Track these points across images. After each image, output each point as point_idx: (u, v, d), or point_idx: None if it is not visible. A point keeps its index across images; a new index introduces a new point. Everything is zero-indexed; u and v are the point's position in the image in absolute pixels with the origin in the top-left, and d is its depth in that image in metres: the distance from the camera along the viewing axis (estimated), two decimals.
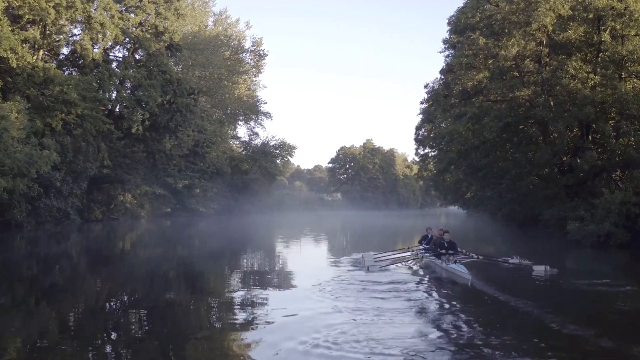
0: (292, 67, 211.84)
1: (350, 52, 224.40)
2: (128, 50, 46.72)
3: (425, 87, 31.24)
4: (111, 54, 46.74)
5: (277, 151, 77.50)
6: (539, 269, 15.32)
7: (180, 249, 26.98)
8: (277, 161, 77.63)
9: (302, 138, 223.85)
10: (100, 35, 39.71)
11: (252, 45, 66.86)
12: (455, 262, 14.92)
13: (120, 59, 46.71)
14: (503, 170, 29.69)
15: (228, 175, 69.62)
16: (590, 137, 27.28)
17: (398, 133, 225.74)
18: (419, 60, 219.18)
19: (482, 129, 28.22)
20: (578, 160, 27.20)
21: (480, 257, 17.31)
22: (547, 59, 26.13)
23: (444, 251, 15.75)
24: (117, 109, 46.00)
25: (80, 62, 40.44)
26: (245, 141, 77.96)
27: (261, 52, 67.13)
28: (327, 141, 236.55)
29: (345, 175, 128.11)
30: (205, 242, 32.49)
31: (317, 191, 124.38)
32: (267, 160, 75.35)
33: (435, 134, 45.41)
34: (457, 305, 11.43)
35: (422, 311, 10.71)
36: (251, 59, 67.17)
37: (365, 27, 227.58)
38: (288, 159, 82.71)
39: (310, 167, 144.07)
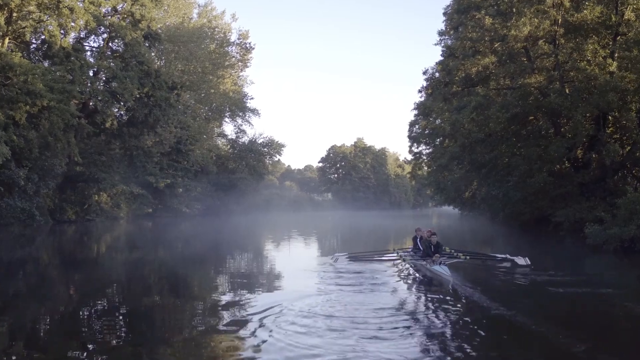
0: (284, 66, 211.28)
1: (341, 51, 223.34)
2: (104, 40, 43.68)
3: (424, 73, 28.38)
4: (86, 43, 43.69)
5: (265, 149, 74.87)
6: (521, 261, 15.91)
7: (160, 252, 25.20)
8: (265, 159, 74.73)
9: (293, 138, 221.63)
10: (69, 22, 36.54)
11: (238, 38, 63.99)
12: (440, 263, 14.75)
13: (96, 49, 43.65)
14: (510, 166, 26.83)
15: (213, 174, 67.02)
16: (607, 129, 24.48)
17: (390, 132, 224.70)
18: (412, 58, 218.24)
19: (487, 120, 25.37)
20: (593, 155, 24.47)
21: (467, 257, 17.16)
22: (563, 41, 23.30)
23: (431, 253, 15.67)
24: (91, 103, 42.98)
25: (52, 52, 37.26)
26: (232, 139, 75.40)
27: (247, 45, 64.23)
28: (318, 141, 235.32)
29: (335, 175, 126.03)
30: (186, 245, 30.15)
31: (308, 191, 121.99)
32: (255, 158, 72.74)
33: (431, 130, 42.73)
34: (425, 308, 11.14)
35: (393, 315, 10.12)
36: (237, 52, 64.23)
37: (356, 25, 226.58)
38: (278, 159, 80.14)
39: (301, 167, 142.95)
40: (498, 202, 29.77)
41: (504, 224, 39.06)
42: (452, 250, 17.71)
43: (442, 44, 41.62)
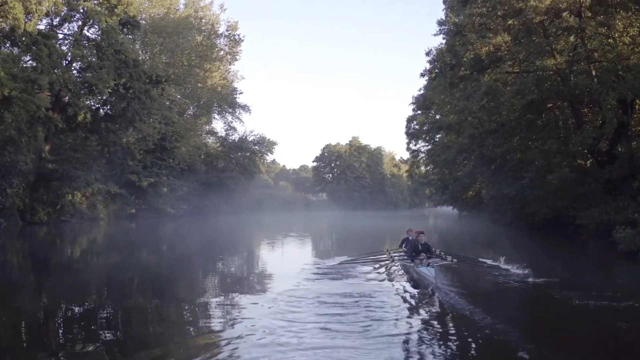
0: (279, 64, 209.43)
1: (335, 49, 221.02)
2: (78, 27, 40.41)
3: (427, 54, 25.12)
4: (60, 31, 40.46)
5: (257, 147, 71.79)
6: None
7: (136, 257, 23.10)
8: (257, 158, 71.71)
9: (288, 138, 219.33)
10: (34, 5, 33.28)
11: (227, 30, 60.63)
12: (428, 265, 14.22)
13: (70, 37, 40.40)
14: (524, 161, 23.67)
15: (202, 172, 63.98)
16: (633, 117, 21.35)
17: (386, 132, 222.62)
18: (408, 56, 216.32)
19: (499, 108, 22.17)
20: (619, 148, 21.37)
21: (455, 260, 16.68)
22: (589, 14, 20.16)
23: (419, 253, 15.25)
24: (65, 97, 39.71)
25: (16, 37, 34.01)
26: (221, 136, 72.31)
27: (236, 37, 60.93)
28: (314, 141, 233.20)
29: (330, 175, 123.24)
30: (165, 249, 27.72)
31: (303, 191, 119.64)
32: (245, 156, 69.72)
33: (431, 124, 39.64)
34: (395, 312, 10.58)
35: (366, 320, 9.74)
36: (226, 45, 60.92)
37: (351, 22, 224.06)
38: (273, 159, 77.67)
39: (297, 167, 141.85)
40: (508, 202, 26.49)
41: (510, 226, 36.07)
42: (442, 253, 17.44)
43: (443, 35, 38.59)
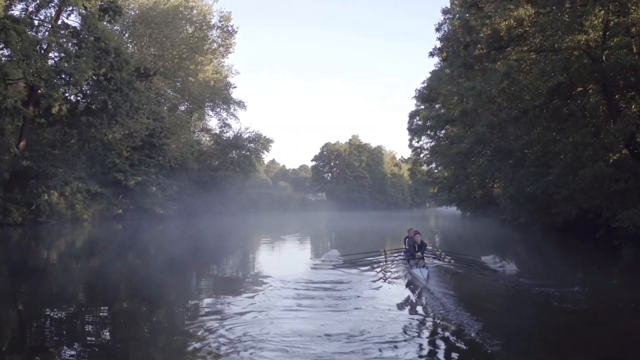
0: (279, 63, 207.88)
1: (334, 48, 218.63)
2: (56, 12, 37.46)
3: (437, 30, 22.00)
4: (36, 17, 37.50)
5: (252, 145, 68.80)
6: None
7: (119, 261, 21.27)
8: (252, 156, 68.77)
9: (288, 138, 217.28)
10: None
11: (220, 21, 57.44)
12: (423, 265, 14.19)
13: (47, 24, 37.45)
14: (547, 154, 20.63)
15: (194, 171, 60.96)
16: None
17: (386, 131, 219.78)
18: (407, 53, 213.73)
19: (521, 92, 19.08)
20: None
21: (451, 260, 16.62)
22: None
23: (414, 254, 15.03)
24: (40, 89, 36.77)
25: None
26: (216, 133, 69.36)
27: (230, 29, 57.73)
28: (314, 141, 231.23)
29: (330, 174, 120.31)
30: (145, 253, 25.09)
31: (303, 191, 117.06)
32: (240, 154, 66.82)
33: (437, 117, 36.66)
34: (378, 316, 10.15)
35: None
36: (218, 37, 57.77)
37: (348, 20, 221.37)
38: (273, 159, 74.84)
39: (296, 167, 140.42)
40: (528, 201, 23.37)
41: (524, 227, 33.12)
42: (441, 252, 17.38)
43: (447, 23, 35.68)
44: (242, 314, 10.19)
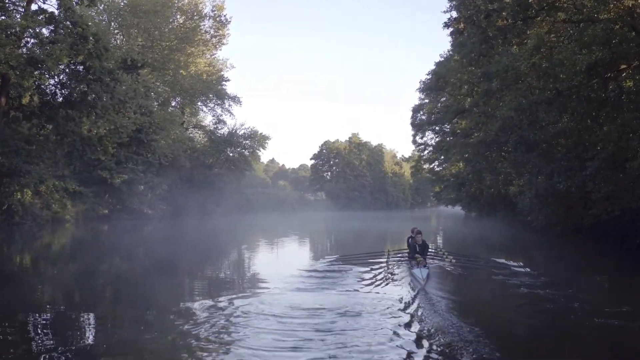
0: (279, 63, 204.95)
1: (337, 48, 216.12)
2: None
3: None
4: (8, 1, 34.50)
5: (247, 142, 65.90)
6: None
7: (97, 267, 19.04)
8: (247, 153, 65.89)
9: (288, 137, 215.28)
10: None
11: (212, 10, 54.43)
12: (424, 265, 13.96)
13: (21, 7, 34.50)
14: (579, 145, 17.58)
15: (186, 169, 57.98)
16: None
17: (386, 131, 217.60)
18: (408, 55, 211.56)
19: (555, 69, 15.99)
20: None
21: (453, 260, 16.42)
22: None
23: (415, 254, 14.96)
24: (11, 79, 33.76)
25: None
26: (210, 130, 66.48)
27: (223, 19, 54.70)
28: (314, 140, 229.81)
29: (329, 173, 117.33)
30: (120, 259, 22.44)
31: (302, 191, 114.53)
32: (235, 151, 63.95)
33: (445, 109, 33.64)
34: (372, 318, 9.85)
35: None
36: (211, 27, 54.74)
37: (345, 18, 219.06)
38: (272, 159, 72.44)
39: (296, 166, 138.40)
40: (557, 200, 20.20)
41: (537, 230, 30.13)
42: (444, 252, 17.35)
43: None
44: (230, 316, 9.97)
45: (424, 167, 52.02)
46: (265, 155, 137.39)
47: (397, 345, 8.11)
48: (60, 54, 31.21)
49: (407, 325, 9.42)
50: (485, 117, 22.82)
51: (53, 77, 33.29)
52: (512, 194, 30.49)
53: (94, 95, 34.59)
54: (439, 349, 8.08)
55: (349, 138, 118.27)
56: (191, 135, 64.56)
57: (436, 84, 32.61)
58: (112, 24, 50.46)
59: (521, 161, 20.40)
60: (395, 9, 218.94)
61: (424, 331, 9.07)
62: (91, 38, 33.33)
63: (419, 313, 10.35)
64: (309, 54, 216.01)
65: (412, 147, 52.09)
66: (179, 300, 12.13)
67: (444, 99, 39.84)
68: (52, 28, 32.85)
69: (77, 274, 17.24)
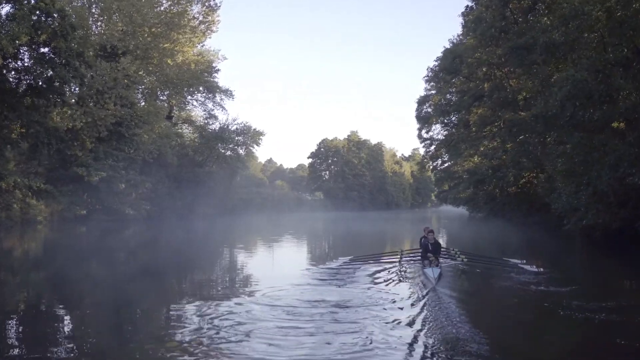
0: (278, 63, 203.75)
1: (336, 48, 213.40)
2: None
3: None
4: None
5: (240, 138, 61.84)
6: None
7: (64, 276, 16.39)
8: (240, 150, 61.96)
9: (286, 136, 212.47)
10: None
11: None
12: (437, 265, 13.77)
13: None
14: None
15: (173, 166, 53.83)
16: None
17: (386, 130, 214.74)
18: (407, 54, 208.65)
19: (631, 20, 11.90)
20: None
21: (466, 260, 16.22)
22: None
23: (427, 253, 14.73)
24: None
25: None
26: (200, 125, 62.50)
27: (212, 3, 50.61)
28: (312, 139, 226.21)
29: (327, 172, 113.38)
30: (109, 262, 20.78)
31: (300, 191, 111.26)
32: (226, 148, 59.93)
33: (459, 93, 29.70)
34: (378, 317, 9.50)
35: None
36: (199, 13, 50.66)
37: (342, 17, 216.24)
38: (270, 158, 68.71)
39: (294, 166, 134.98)
40: (597, 199, 16.12)
41: (564, 235, 26.29)
42: (456, 251, 17.28)
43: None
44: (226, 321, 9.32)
45: (429, 164, 48.01)
46: (262, 155, 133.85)
47: (402, 344, 7.90)
48: (19, 32, 27.24)
49: (413, 324, 9.17)
50: (541, 85, 18.61)
51: (11, 60, 29.24)
52: (541, 192, 26.34)
53: (61, 81, 30.57)
54: (442, 348, 7.76)
55: (348, 136, 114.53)
56: (180, 130, 60.66)
57: (451, 64, 28.65)
58: (93, 9, 46.41)
59: (586, 145, 15.78)
60: (394, 5, 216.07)
61: (430, 330, 8.80)
62: (55, 15, 29.34)
63: (427, 312, 10.00)
64: (309, 54, 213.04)
65: (413, 146, 48.92)
66: (157, 308, 11.40)
67: (451, 90, 36.04)
68: (13, 4, 28.97)
69: (36, 283, 15.16)
